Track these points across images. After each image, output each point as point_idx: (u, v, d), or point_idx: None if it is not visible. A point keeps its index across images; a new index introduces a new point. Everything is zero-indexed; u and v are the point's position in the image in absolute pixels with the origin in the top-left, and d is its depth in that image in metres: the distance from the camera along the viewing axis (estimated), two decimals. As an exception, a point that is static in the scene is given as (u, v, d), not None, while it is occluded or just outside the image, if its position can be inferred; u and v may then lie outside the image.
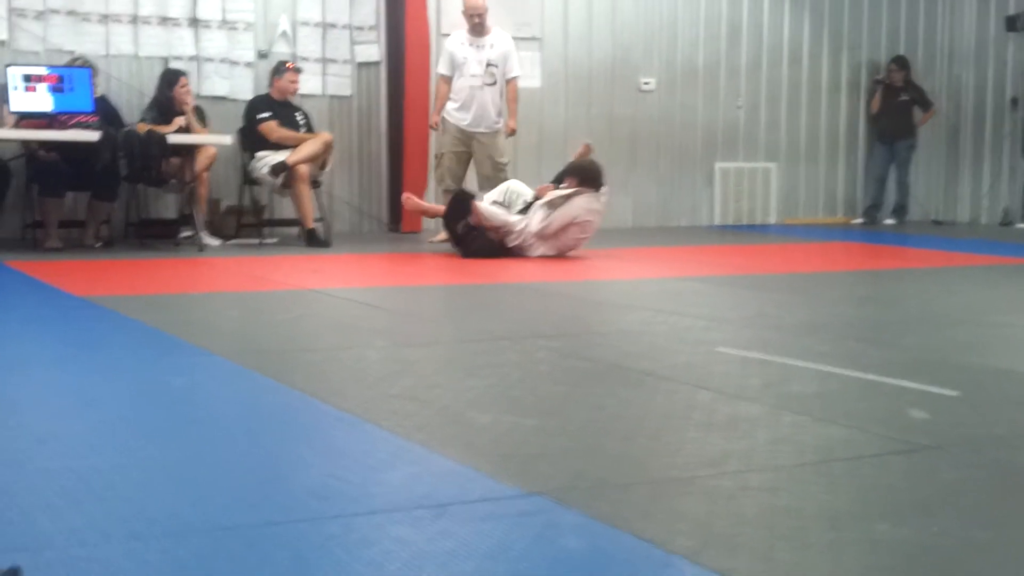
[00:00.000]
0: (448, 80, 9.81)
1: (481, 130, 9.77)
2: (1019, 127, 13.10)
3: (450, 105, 9.77)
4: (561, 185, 8.68)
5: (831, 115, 13.21)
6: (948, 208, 13.72)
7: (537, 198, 8.60)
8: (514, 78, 9.88)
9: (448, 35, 10.09)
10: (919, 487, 2.86)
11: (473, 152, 9.84)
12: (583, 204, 8.48)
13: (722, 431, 3.34)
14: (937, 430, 3.41)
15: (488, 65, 9.74)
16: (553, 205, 8.48)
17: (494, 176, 9.65)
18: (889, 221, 13.13)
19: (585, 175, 8.62)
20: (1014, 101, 13.08)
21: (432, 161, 10.36)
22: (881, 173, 13.16)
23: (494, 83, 9.77)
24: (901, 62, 13.09)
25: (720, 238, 11.21)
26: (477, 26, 9.70)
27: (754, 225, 12.58)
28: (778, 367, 4.37)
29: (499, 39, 9.85)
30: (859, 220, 13.15)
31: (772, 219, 12.82)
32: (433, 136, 10.97)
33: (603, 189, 8.67)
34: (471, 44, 9.75)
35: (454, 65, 9.75)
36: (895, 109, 13.04)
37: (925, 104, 13.17)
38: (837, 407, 3.69)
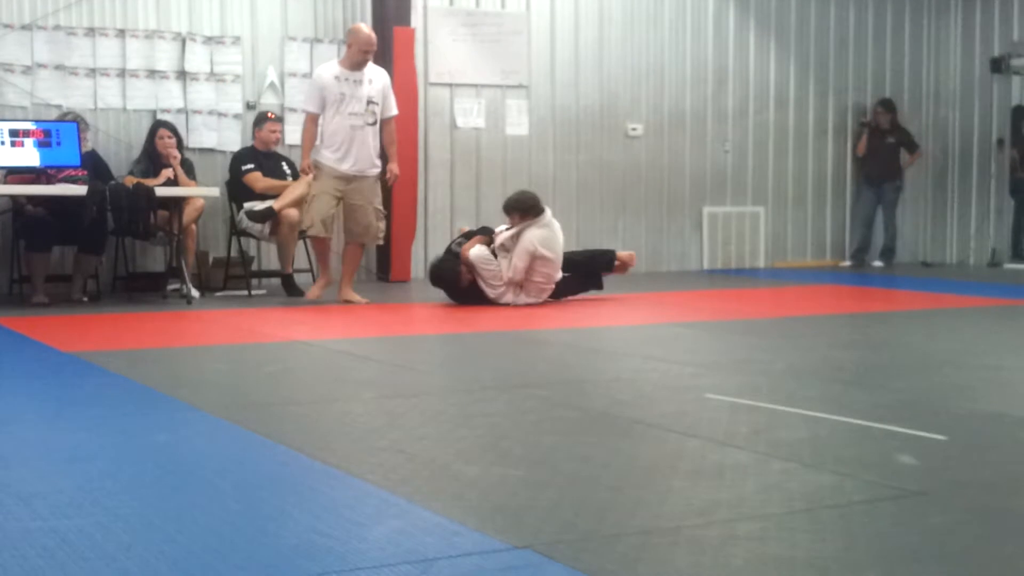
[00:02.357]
0: (316, 119, 8.71)
1: (364, 175, 8.71)
2: (1005, 167, 13.16)
3: (324, 149, 8.63)
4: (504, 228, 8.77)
5: (818, 158, 13.26)
6: (936, 249, 13.75)
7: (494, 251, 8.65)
8: (392, 117, 8.85)
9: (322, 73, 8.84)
10: (908, 534, 2.84)
11: (349, 200, 8.72)
12: (534, 235, 8.56)
13: (710, 479, 3.32)
14: (926, 475, 3.40)
15: (369, 103, 8.66)
16: (506, 248, 8.53)
17: (375, 226, 8.82)
18: (877, 263, 13.15)
19: (522, 206, 8.68)
20: (1000, 142, 13.15)
21: (420, 210, 10.34)
22: (868, 215, 13.19)
23: (375, 122, 8.72)
24: (887, 104, 13.15)
25: (709, 283, 11.21)
26: (363, 62, 8.67)
27: (743, 269, 12.59)
28: (767, 413, 4.36)
29: (376, 74, 8.79)
30: (847, 263, 13.17)
31: (761, 263, 12.84)
32: (422, 185, 11.01)
33: (546, 211, 8.72)
34: (348, 79, 8.62)
35: (326, 103, 8.61)
36: (882, 151, 13.10)
37: (911, 146, 13.22)
38: (826, 453, 3.67)
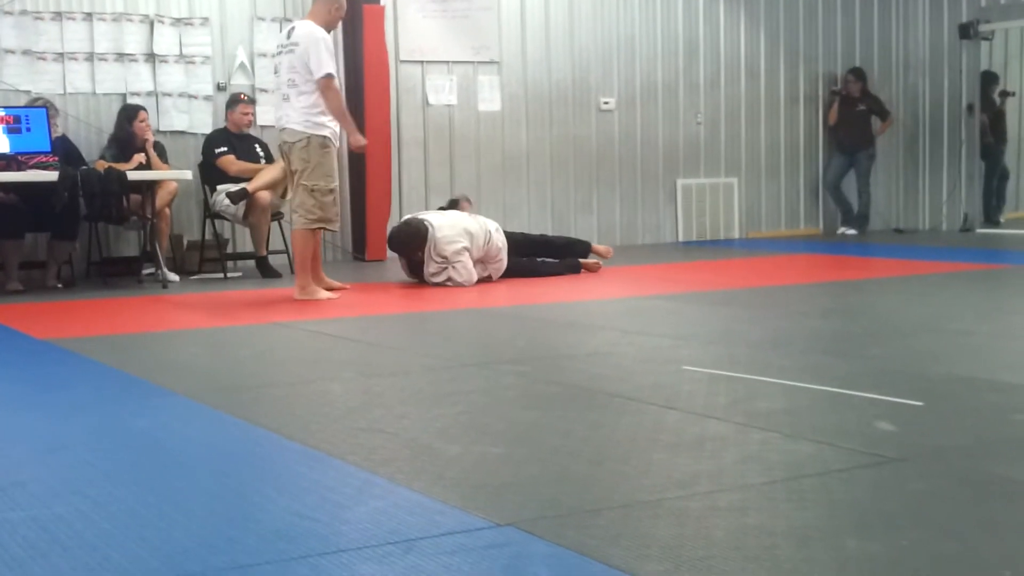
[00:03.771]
0: None
1: None
2: (975, 133, 13.22)
3: (325, 117, 7.70)
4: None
5: (790, 128, 13.29)
6: (909, 216, 13.81)
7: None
8: None
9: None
10: (887, 500, 2.86)
11: None
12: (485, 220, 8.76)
13: (690, 451, 3.33)
14: (904, 442, 3.42)
15: None
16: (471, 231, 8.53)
17: None
18: (850, 231, 13.19)
19: (406, 239, 8.51)
20: (970, 107, 13.20)
21: (394, 188, 10.31)
22: (836, 181, 13.23)
23: None
24: (858, 73, 13.18)
25: (685, 255, 11.24)
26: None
27: (718, 240, 12.63)
28: (745, 383, 4.37)
29: None
30: (852, 232, 13.15)
31: (736, 234, 12.87)
32: (396, 163, 10.97)
33: (430, 227, 8.50)
34: None
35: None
36: (853, 119, 13.13)
37: (883, 113, 13.26)
38: (805, 422, 3.69)
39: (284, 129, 7.71)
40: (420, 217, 8.60)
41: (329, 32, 7.80)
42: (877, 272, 9.26)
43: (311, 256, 7.82)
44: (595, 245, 9.58)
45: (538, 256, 9.16)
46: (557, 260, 9.15)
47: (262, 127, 10.15)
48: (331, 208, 7.79)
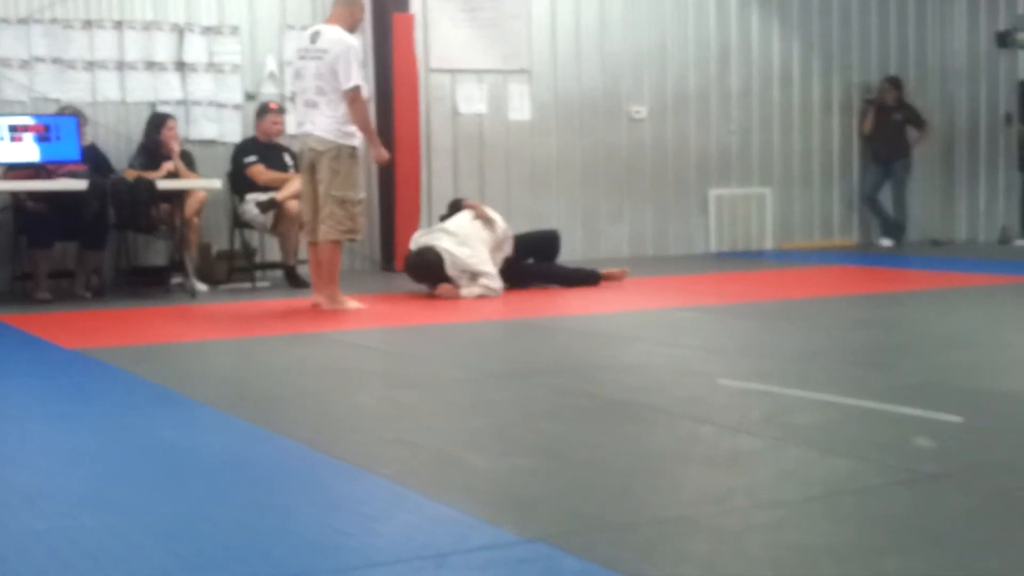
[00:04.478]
0: None
1: None
2: (1014, 143, 13.08)
3: (351, 128, 7.60)
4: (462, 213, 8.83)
5: (824, 137, 13.19)
6: (945, 227, 13.68)
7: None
8: None
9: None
10: (926, 517, 2.80)
11: None
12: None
13: (725, 467, 3.28)
14: (942, 458, 3.36)
15: None
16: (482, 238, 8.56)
17: None
18: (886, 243, 13.08)
19: (425, 265, 8.45)
20: (1008, 117, 13.06)
21: (423, 197, 10.28)
22: (870, 194, 13.13)
23: None
24: (895, 82, 13.07)
25: (717, 265, 11.16)
26: None
27: (750, 251, 12.54)
28: (779, 398, 4.31)
29: None
30: (888, 243, 13.05)
31: (768, 244, 12.77)
32: (425, 172, 10.95)
33: (434, 243, 8.51)
34: None
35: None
36: (888, 129, 13.02)
37: (919, 123, 13.14)
38: (840, 438, 3.63)
39: (310, 136, 7.65)
40: (430, 244, 8.51)
41: (352, 34, 7.74)
42: (913, 284, 9.16)
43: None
44: (606, 270, 9.39)
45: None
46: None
47: (291, 136, 10.13)
48: (359, 219, 7.77)
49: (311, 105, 7.61)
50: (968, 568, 2.42)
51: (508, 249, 8.74)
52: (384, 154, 7.97)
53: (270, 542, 2.69)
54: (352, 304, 7.75)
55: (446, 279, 8.31)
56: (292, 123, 10.00)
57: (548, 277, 9.06)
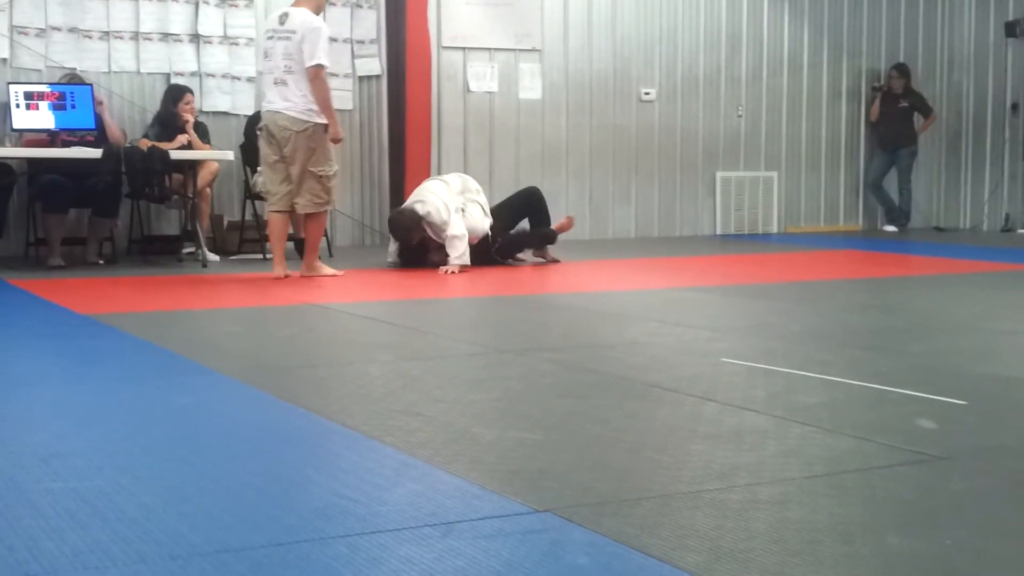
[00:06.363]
0: None
1: None
2: (1020, 132, 13.09)
3: (316, 106, 7.92)
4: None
5: (832, 123, 13.21)
6: (950, 215, 13.70)
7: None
8: None
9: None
10: (930, 498, 2.84)
11: None
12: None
13: (730, 443, 3.32)
14: (946, 440, 3.39)
15: None
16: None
17: None
18: (891, 228, 13.10)
19: (404, 225, 8.82)
20: (1014, 106, 13.08)
21: (434, 174, 10.30)
22: (878, 180, 13.14)
23: None
24: (902, 69, 13.08)
25: (723, 247, 11.19)
26: None
27: (756, 234, 12.56)
28: (784, 377, 4.35)
29: None
30: (893, 228, 13.08)
31: (774, 228, 12.80)
32: (436, 150, 10.98)
33: (423, 204, 8.78)
34: None
35: None
36: (895, 116, 13.03)
37: (925, 111, 13.15)
38: (845, 418, 3.66)
39: (279, 114, 7.86)
40: (413, 206, 8.75)
41: (318, 15, 7.99)
42: (917, 269, 9.19)
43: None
44: (557, 224, 9.48)
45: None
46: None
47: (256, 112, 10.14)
48: (334, 192, 8.24)
49: (280, 83, 7.87)
50: (971, 548, 2.46)
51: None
52: (340, 133, 8.17)
53: (279, 507, 2.73)
54: (328, 270, 8.16)
55: (421, 237, 8.65)
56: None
57: (518, 245, 9.24)
